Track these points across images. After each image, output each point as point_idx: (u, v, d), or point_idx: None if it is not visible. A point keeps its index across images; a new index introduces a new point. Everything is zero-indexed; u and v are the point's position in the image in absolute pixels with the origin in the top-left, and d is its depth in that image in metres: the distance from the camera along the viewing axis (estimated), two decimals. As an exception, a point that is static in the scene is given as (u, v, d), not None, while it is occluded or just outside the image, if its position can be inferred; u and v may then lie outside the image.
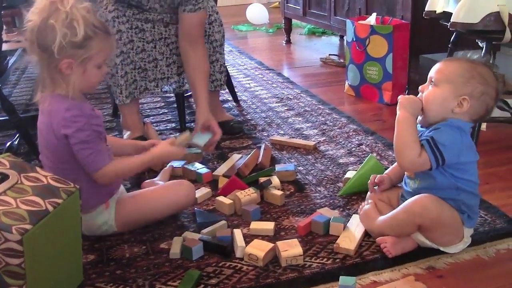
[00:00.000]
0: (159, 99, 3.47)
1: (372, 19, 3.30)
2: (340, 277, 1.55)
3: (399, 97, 1.72)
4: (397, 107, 1.70)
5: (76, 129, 1.65)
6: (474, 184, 1.67)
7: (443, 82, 1.64)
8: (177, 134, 2.84)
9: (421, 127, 1.71)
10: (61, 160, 1.72)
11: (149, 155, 1.88)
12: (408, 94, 3.17)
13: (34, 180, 1.46)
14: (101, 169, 1.71)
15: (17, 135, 2.77)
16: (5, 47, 2.59)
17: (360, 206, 1.88)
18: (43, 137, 1.74)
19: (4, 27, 4.46)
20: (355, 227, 1.81)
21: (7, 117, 2.80)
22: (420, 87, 1.71)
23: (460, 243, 1.68)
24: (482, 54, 1.66)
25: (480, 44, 2.45)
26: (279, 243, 1.72)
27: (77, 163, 1.71)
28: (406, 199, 1.69)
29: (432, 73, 1.69)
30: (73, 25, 1.62)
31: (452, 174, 1.63)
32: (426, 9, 2.60)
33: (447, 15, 2.42)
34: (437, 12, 2.53)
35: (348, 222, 1.85)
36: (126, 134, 2.69)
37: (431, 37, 3.15)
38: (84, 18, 1.64)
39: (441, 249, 1.68)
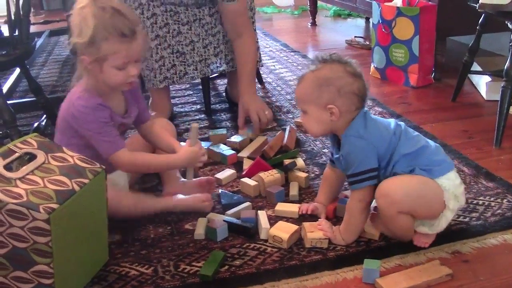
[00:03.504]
0: (188, 80, 3.46)
1: (398, 1, 3.26)
2: (365, 260, 1.54)
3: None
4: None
5: (83, 121, 1.72)
6: (413, 149, 1.61)
7: (305, 106, 1.65)
8: (193, 121, 2.85)
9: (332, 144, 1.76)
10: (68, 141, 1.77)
11: (175, 158, 1.87)
12: (434, 77, 3.15)
13: (61, 160, 1.47)
14: (114, 154, 1.75)
15: (44, 116, 2.79)
16: (32, 29, 2.61)
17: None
18: (59, 119, 1.82)
19: (32, 9, 4.50)
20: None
21: (34, 98, 2.84)
22: (299, 119, 1.71)
23: (450, 203, 1.59)
24: (317, 55, 1.67)
25: (510, 26, 2.41)
26: (306, 224, 1.72)
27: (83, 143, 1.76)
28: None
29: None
30: (82, 25, 1.64)
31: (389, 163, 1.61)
32: (454, -10, 2.57)
33: (476, -4, 2.38)
34: (466, -7, 2.49)
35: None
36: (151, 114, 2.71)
37: (458, 19, 3.10)
38: (96, 18, 1.62)
39: (435, 225, 1.63)
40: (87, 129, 1.73)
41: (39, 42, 4.56)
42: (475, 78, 3.08)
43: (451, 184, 1.59)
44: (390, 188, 1.56)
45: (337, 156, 1.69)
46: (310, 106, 1.63)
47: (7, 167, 1.38)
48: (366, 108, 1.66)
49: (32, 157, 1.44)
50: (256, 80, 3.31)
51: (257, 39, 2.84)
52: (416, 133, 1.68)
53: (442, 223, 1.62)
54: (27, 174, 1.38)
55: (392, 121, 1.67)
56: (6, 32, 2.62)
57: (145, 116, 1.97)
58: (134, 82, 1.79)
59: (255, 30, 2.80)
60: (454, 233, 1.70)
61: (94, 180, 1.48)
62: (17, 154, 1.43)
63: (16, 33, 2.45)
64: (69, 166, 1.46)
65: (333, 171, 1.83)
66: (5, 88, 3.14)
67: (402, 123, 1.67)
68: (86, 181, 1.44)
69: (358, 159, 1.60)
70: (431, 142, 1.67)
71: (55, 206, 1.31)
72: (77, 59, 1.71)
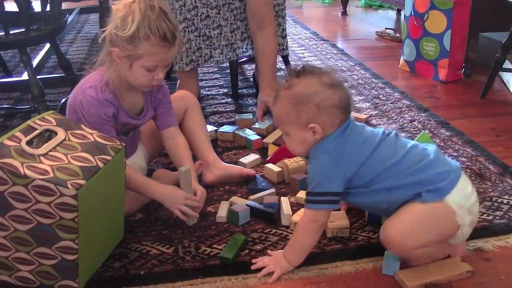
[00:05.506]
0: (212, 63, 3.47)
1: (432, -6, 3.23)
2: (386, 252, 1.53)
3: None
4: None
5: (86, 111, 1.66)
6: (395, 169, 1.46)
7: (285, 128, 1.51)
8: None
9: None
10: None
11: (153, 188, 1.75)
12: (464, 72, 3.12)
13: (81, 137, 1.47)
14: None
15: (72, 92, 2.81)
16: (63, 6, 2.63)
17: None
18: (69, 100, 1.78)
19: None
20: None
21: (63, 74, 2.86)
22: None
23: (466, 219, 1.46)
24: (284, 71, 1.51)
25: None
26: (325, 215, 1.71)
27: None
28: None
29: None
30: (127, 20, 1.58)
31: (367, 186, 1.48)
32: (490, -15, 2.53)
33: (512, -8, 2.35)
34: (502, -11, 2.46)
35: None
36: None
37: (493, 14, 3.06)
38: (144, 17, 1.57)
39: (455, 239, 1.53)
40: (86, 120, 1.66)
41: (69, 19, 4.58)
42: (506, 76, 3.05)
43: (462, 195, 1.45)
44: (393, 232, 1.43)
45: None
46: (289, 127, 1.49)
47: (28, 144, 1.38)
48: (350, 120, 1.50)
49: (51, 134, 1.44)
50: (285, 67, 3.31)
51: (285, 27, 2.82)
52: (410, 142, 1.53)
53: (465, 233, 1.51)
54: (50, 150, 1.38)
55: (379, 133, 1.51)
56: (38, 8, 2.64)
57: (167, 121, 1.91)
58: (156, 85, 1.74)
59: (284, 16, 2.79)
60: (477, 230, 1.68)
61: (115, 157, 1.48)
62: (37, 131, 1.42)
63: (48, 8, 2.46)
64: (90, 143, 1.46)
65: None
66: (34, 63, 3.17)
67: (392, 133, 1.53)
68: (108, 158, 1.45)
69: (320, 177, 1.46)
70: (430, 147, 1.53)
71: (82, 182, 1.32)
72: (108, 49, 1.66)
